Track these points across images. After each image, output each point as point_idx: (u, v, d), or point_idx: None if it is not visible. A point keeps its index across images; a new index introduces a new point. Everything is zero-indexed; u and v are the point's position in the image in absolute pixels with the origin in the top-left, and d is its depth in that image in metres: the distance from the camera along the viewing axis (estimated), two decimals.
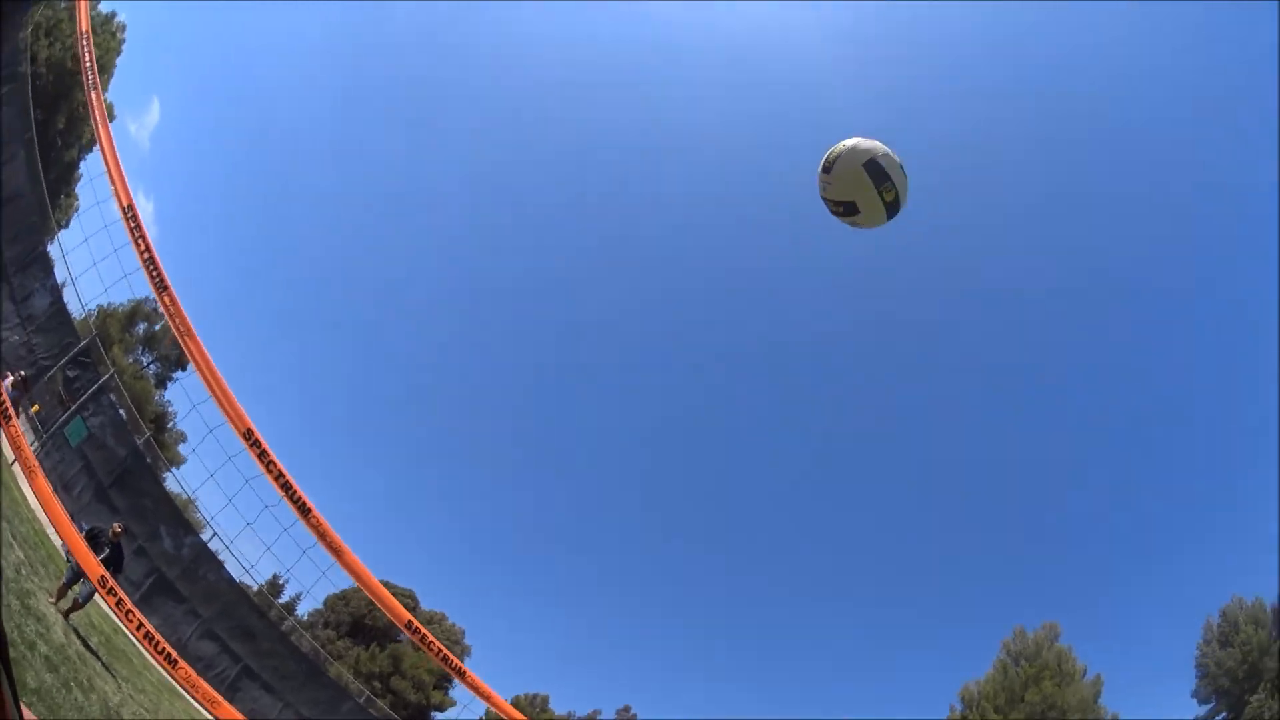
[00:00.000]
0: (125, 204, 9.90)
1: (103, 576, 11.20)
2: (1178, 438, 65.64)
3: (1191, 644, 45.10)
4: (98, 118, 11.25)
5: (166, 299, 9.64)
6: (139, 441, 19.57)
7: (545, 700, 60.04)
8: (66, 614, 11.24)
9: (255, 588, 32.56)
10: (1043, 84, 62.62)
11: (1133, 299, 69.39)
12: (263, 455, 11.23)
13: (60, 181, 35.42)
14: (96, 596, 12.33)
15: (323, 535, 12.04)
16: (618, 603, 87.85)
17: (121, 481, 17.37)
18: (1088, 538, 70.20)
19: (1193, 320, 68.02)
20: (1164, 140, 60.90)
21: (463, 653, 59.40)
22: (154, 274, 9.92)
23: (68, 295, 21.54)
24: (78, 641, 10.79)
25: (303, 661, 25.81)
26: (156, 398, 47.56)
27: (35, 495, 12.85)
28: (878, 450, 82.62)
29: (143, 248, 9.88)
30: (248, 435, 10.48)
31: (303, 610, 54.48)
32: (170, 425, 47.15)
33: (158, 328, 46.85)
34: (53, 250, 20.91)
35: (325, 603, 54.46)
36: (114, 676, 11.43)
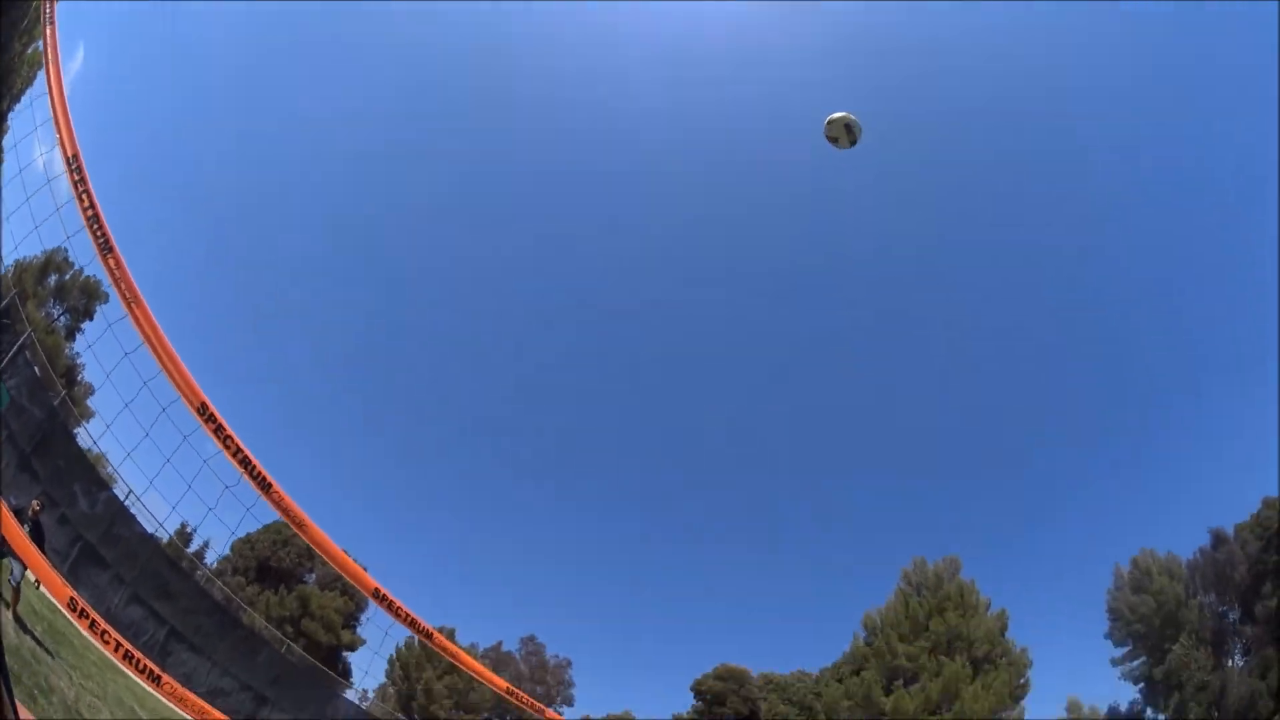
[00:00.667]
0: (70, 153, 8.78)
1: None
2: (1097, 385, 69.30)
3: (1100, 590, 46.88)
4: (50, 56, 9.85)
5: (111, 261, 8.68)
6: (54, 402, 18.10)
7: (452, 632, 59.73)
8: (13, 608, 10.44)
9: (166, 539, 31.39)
10: None
11: (1050, 241, 72.52)
12: (219, 430, 10.45)
13: None
14: (29, 574, 11.48)
15: (286, 510, 11.40)
16: (516, 529, 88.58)
17: (41, 447, 16.03)
18: (994, 477, 74.02)
19: (1112, 252, 71.65)
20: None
21: (374, 592, 59.02)
22: (98, 234, 8.91)
23: None
24: (29, 638, 10.01)
25: (217, 613, 25.66)
26: (67, 351, 44.99)
27: None
28: (780, 378, 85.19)
29: (86, 203, 8.83)
30: (202, 410, 9.70)
31: (211, 559, 52.98)
32: (79, 378, 44.56)
33: (67, 277, 44.40)
34: None
35: (232, 548, 52.89)
36: (65, 668, 10.69)
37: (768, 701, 51.47)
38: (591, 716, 66.80)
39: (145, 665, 13.88)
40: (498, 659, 66.69)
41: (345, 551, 13.15)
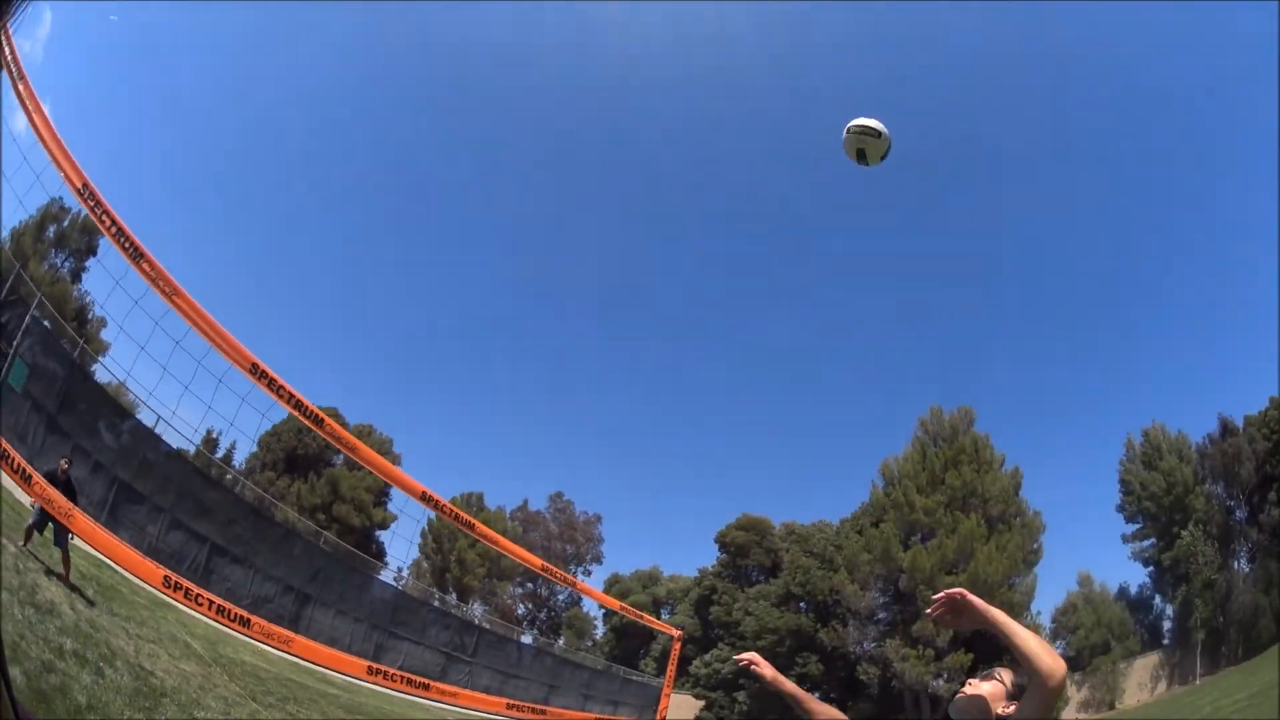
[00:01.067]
0: (79, 185, 8.60)
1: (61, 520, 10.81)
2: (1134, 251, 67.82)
3: (1112, 460, 47.49)
4: (30, 107, 9.38)
5: (145, 265, 8.69)
6: (74, 354, 18.23)
7: (480, 497, 62.14)
8: (65, 579, 10.96)
9: (193, 451, 32.15)
10: None
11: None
12: (272, 384, 10.68)
13: None
14: (73, 539, 11.95)
15: (338, 440, 11.82)
16: (537, 394, 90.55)
17: (66, 403, 16.24)
18: (1012, 333, 74.16)
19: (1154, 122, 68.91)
20: None
21: (395, 461, 60.47)
22: (127, 245, 8.84)
23: None
24: (81, 605, 10.56)
25: (251, 516, 25.85)
26: (75, 292, 44.89)
27: None
28: (800, 230, 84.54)
29: (108, 223, 8.74)
30: (254, 369, 9.93)
31: (239, 459, 54.17)
32: (90, 315, 44.51)
33: (65, 225, 43.98)
34: None
35: (259, 443, 54.00)
36: (120, 624, 11.32)
37: (790, 553, 52.28)
38: (620, 573, 69.62)
39: (235, 613, 14.59)
40: (526, 519, 68.03)
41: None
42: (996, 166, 74.97)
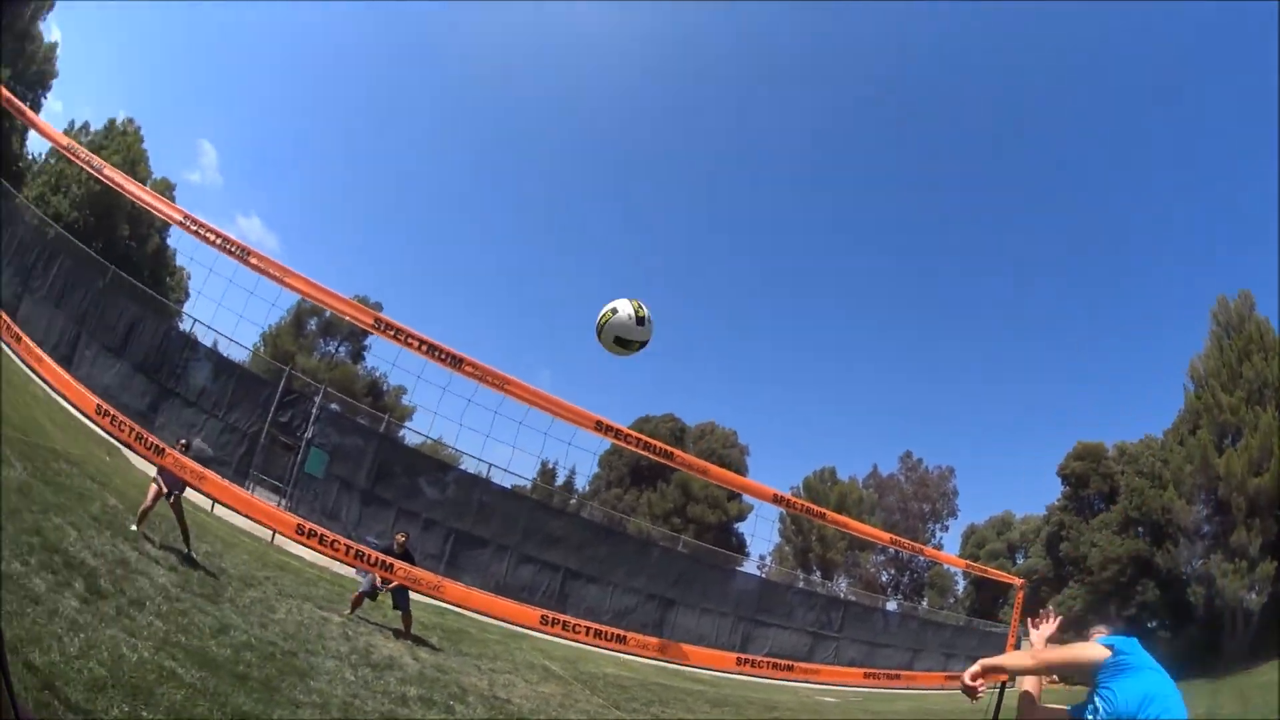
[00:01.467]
0: (181, 217, 9.27)
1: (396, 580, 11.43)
2: None
3: None
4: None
5: (469, 368, 8.98)
6: (379, 428, 20.39)
7: (833, 472, 62.42)
8: (406, 634, 11.83)
9: (529, 485, 34.76)
10: None
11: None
12: (619, 434, 10.57)
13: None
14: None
15: (690, 466, 11.62)
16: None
17: (381, 473, 18.02)
18: None
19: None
20: None
21: (740, 454, 61.73)
22: (444, 357, 9.24)
23: (223, 348, 21.96)
24: (425, 653, 11.30)
25: (603, 535, 27.04)
26: (360, 371, 50.73)
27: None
28: None
29: (417, 344, 9.20)
30: (598, 426, 9.85)
31: (580, 483, 57.96)
32: (386, 388, 50.57)
33: (328, 314, 49.25)
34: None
35: (600, 463, 57.40)
36: (471, 663, 12.00)
37: (1124, 475, 49.96)
38: (975, 523, 67.54)
39: (610, 633, 14.98)
40: (880, 484, 67.52)
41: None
42: None
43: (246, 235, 76.75)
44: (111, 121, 42.66)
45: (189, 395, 19.18)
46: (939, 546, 65.37)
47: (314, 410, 17.58)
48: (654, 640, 16.58)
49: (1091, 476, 52.72)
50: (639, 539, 30.27)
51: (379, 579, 11.65)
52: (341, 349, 52.52)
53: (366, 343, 51.95)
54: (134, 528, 10.54)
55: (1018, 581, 15.91)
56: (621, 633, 14.74)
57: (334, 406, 19.34)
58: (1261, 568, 36.98)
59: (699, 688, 17.39)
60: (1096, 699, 2.73)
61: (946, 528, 68.46)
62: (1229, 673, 32.48)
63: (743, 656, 19.33)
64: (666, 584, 26.38)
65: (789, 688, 19.41)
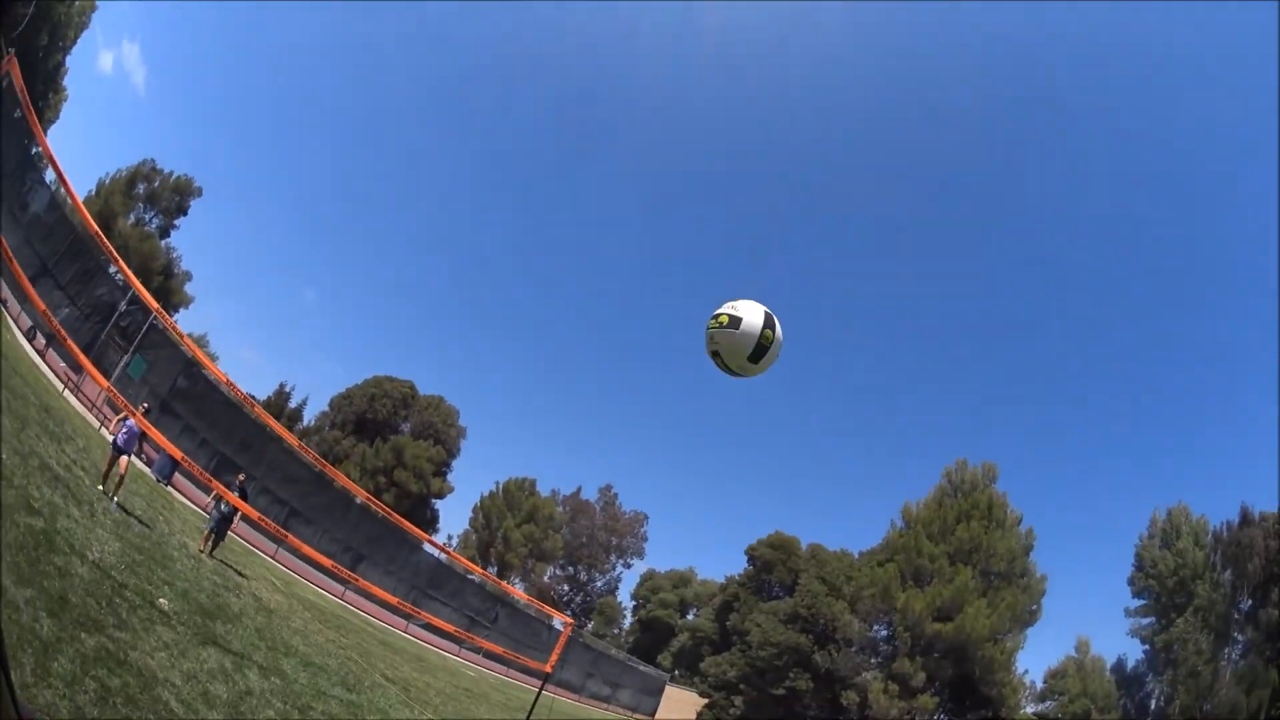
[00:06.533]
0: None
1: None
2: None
3: (1133, 534, 48.21)
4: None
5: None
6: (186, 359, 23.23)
7: (533, 483, 66.52)
8: (210, 553, 15.54)
9: (261, 400, 36.92)
10: None
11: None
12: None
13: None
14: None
15: None
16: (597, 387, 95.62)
17: (177, 389, 21.54)
18: (1052, 399, 79.13)
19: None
20: None
21: (458, 435, 64.53)
22: None
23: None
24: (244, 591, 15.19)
25: (319, 481, 30.03)
26: (163, 247, 49.69)
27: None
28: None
29: None
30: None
31: (309, 415, 59.00)
32: (176, 271, 49.70)
33: (156, 185, 48.30)
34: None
35: (330, 404, 58.82)
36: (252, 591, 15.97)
37: (805, 575, 54.39)
38: (656, 569, 74.79)
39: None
40: (576, 505, 72.35)
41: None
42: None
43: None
44: None
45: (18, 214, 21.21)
46: (619, 579, 73.62)
47: (144, 328, 20.83)
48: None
49: (778, 566, 57.98)
50: (345, 494, 33.01)
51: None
52: (154, 221, 50.78)
53: (178, 223, 50.74)
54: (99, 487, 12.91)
55: (568, 620, 21.78)
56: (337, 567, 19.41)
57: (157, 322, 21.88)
58: (922, 699, 42.76)
59: (371, 629, 22.04)
60: None
61: (629, 565, 74.84)
62: None
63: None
64: (361, 540, 30.50)
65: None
